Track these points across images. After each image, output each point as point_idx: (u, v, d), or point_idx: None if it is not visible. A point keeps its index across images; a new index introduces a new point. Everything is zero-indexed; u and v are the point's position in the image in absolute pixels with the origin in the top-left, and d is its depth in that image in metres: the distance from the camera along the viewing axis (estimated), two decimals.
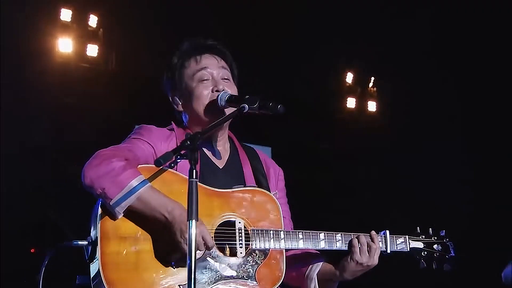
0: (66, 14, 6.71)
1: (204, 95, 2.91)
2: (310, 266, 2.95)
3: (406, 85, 7.71)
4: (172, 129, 2.95)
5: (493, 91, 7.27)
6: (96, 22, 6.87)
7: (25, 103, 6.41)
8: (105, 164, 2.62)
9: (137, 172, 2.64)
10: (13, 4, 6.15)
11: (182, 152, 2.39)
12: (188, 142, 2.38)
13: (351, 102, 8.38)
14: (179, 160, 2.42)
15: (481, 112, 7.40)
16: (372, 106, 8.47)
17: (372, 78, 8.42)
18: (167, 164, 2.44)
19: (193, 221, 2.25)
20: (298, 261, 3.00)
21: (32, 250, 6.44)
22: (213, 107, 2.90)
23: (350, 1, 7.03)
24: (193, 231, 2.25)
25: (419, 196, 7.27)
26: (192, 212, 2.26)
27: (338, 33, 7.24)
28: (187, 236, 2.53)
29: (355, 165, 8.04)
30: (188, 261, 2.24)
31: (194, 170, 2.31)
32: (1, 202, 6.06)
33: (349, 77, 8.35)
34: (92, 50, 6.88)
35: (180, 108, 3.01)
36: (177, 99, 3.01)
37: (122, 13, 6.83)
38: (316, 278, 2.92)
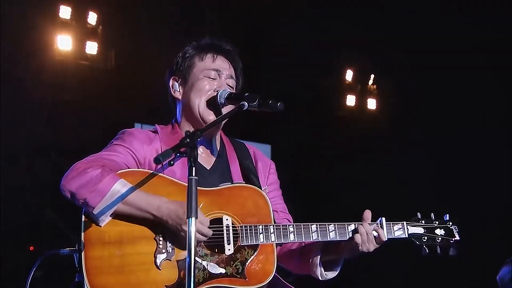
0: (65, 12, 6.69)
1: (206, 89, 2.92)
2: (313, 252, 2.93)
3: (406, 82, 7.70)
4: (155, 131, 2.94)
5: (493, 90, 7.26)
6: (95, 19, 6.85)
7: (23, 101, 6.40)
8: (82, 175, 2.63)
9: (116, 176, 2.64)
10: (13, 2, 6.14)
11: (182, 149, 2.38)
12: (188, 140, 2.37)
13: (351, 100, 8.36)
14: (178, 157, 2.41)
15: (481, 111, 7.38)
16: (372, 103, 8.46)
17: (372, 76, 8.40)
18: (166, 161, 2.42)
19: (193, 218, 2.24)
20: (301, 250, 2.99)
21: (31, 248, 6.45)
22: (212, 104, 2.89)
23: None
24: (193, 229, 2.24)
25: (419, 194, 7.25)
26: (191, 209, 2.25)
27: (338, 31, 7.23)
28: (184, 227, 2.55)
29: (355, 162, 8.03)
30: (187, 259, 2.23)
31: (194, 168, 2.29)
32: (0, 202, 6.06)
33: (349, 75, 8.34)
34: (91, 47, 6.86)
35: (177, 95, 2.99)
36: (177, 85, 2.99)
37: (121, 11, 6.82)
38: (320, 263, 2.90)
